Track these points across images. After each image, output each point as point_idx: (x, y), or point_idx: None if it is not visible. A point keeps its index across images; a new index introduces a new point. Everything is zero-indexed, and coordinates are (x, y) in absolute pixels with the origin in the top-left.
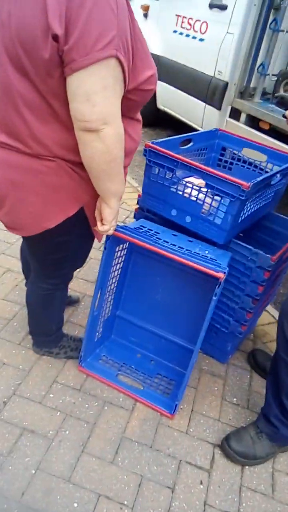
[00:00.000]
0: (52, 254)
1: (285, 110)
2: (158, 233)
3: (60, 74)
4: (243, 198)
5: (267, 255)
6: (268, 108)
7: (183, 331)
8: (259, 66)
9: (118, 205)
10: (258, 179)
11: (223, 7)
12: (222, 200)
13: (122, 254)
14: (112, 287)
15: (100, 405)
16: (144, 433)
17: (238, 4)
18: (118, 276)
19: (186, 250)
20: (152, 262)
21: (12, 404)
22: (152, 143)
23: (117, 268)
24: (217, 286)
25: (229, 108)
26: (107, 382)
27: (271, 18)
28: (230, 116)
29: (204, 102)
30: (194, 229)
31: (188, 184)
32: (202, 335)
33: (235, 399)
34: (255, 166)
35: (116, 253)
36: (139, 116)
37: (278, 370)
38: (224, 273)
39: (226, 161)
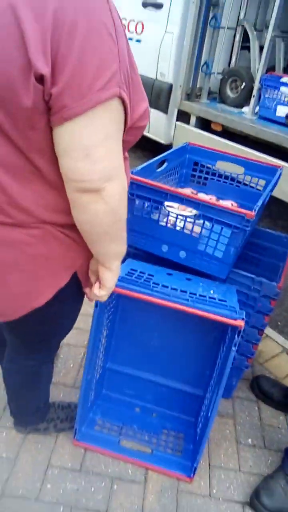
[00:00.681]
0: (38, 328)
1: None
2: (152, 275)
3: (46, 124)
4: (248, 228)
5: (272, 282)
6: (218, 109)
7: (185, 375)
8: (203, 65)
9: (120, 266)
10: (259, 203)
11: (158, 6)
12: (222, 231)
13: (111, 302)
14: (102, 341)
15: (108, 485)
16: (164, 508)
17: (175, 2)
18: (107, 325)
19: (190, 294)
20: (143, 305)
21: (2, 509)
22: (135, 174)
23: (107, 317)
24: (236, 335)
25: (176, 111)
26: (110, 454)
27: (210, 15)
28: (178, 120)
29: (149, 106)
30: (191, 264)
31: (179, 216)
32: (224, 383)
33: (250, 440)
34: (232, 179)
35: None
36: (126, 153)
37: None
38: (243, 319)
39: (199, 176)
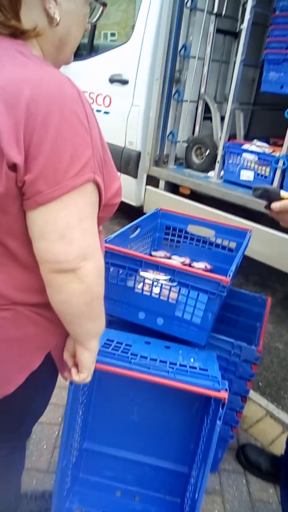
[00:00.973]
0: (7, 416)
1: (268, 201)
2: (130, 345)
3: (19, 208)
4: (224, 294)
5: (252, 346)
6: (185, 174)
7: (168, 452)
8: (169, 134)
9: (98, 345)
10: (233, 269)
11: (124, 82)
12: (199, 297)
13: None
14: (78, 420)
15: None
16: None
17: (140, 79)
18: (83, 402)
19: (170, 364)
20: (121, 378)
21: None
22: (109, 242)
23: (82, 393)
24: (220, 408)
25: (145, 176)
26: None
27: (173, 90)
28: (148, 184)
29: (119, 171)
30: (169, 332)
31: (155, 282)
32: (210, 461)
33: None
34: (204, 241)
35: None
36: (101, 227)
37: None
38: (226, 390)
39: (172, 240)
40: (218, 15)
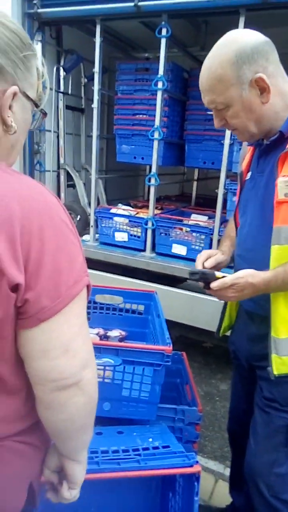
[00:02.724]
0: None
1: (206, 283)
2: None
3: (13, 331)
4: (169, 363)
5: (193, 408)
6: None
7: None
8: None
9: (87, 455)
10: (168, 335)
11: None
12: (144, 371)
13: None
14: None
15: None
16: None
17: None
18: None
19: (134, 452)
20: None
21: None
22: None
23: None
24: (196, 482)
25: None
26: None
27: (35, 161)
28: None
29: None
30: (117, 415)
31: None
32: None
33: None
34: (114, 309)
35: None
36: None
37: None
38: (197, 462)
39: None
40: (65, 93)
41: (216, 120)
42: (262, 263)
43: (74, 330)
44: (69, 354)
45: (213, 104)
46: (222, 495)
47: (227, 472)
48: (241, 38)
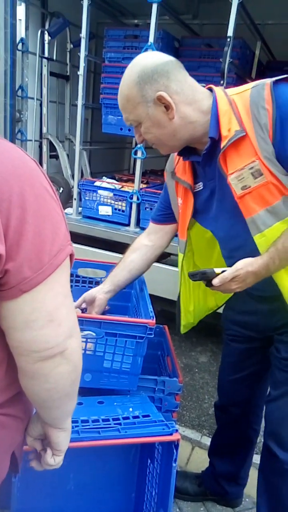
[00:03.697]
0: None
1: (207, 281)
2: None
3: None
4: (151, 335)
5: (174, 379)
6: None
7: (111, 509)
8: None
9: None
10: (151, 308)
11: None
12: (127, 344)
13: None
14: None
15: None
16: None
17: None
18: None
19: (114, 422)
20: None
21: None
22: None
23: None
24: (175, 450)
25: None
26: None
27: (16, 130)
28: None
29: None
30: (99, 386)
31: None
32: (171, 504)
33: None
34: (96, 283)
35: None
36: None
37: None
38: (177, 430)
39: None
40: (49, 59)
41: (136, 136)
42: (253, 255)
43: (59, 299)
44: (54, 323)
45: (128, 122)
46: (198, 461)
47: (203, 440)
48: (143, 61)
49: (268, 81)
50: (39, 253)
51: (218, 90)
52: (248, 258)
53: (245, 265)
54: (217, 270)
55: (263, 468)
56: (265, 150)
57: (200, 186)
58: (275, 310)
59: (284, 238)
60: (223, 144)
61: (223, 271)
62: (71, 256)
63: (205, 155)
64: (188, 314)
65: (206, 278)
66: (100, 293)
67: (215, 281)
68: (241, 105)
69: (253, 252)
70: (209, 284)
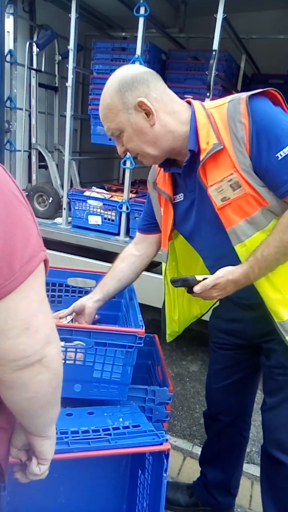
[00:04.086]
0: None
1: (189, 287)
2: None
3: None
4: (141, 345)
5: (164, 388)
6: None
7: None
8: None
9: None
10: (141, 318)
11: None
12: (116, 353)
13: None
14: None
15: None
16: None
17: None
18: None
19: (105, 433)
20: None
21: None
22: None
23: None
24: (165, 460)
25: None
26: None
27: (5, 140)
28: None
29: None
30: (88, 396)
31: (69, 348)
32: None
33: None
34: (86, 292)
35: None
36: None
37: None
38: (167, 440)
39: (53, 296)
40: (38, 70)
41: (118, 147)
42: (236, 264)
43: (34, 306)
44: (30, 331)
45: (109, 131)
46: (190, 472)
47: (195, 450)
48: (124, 71)
49: (244, 95)
50: (10, 261)
51: (196, 103)
52: (229, 267)
53: (226, 273)
54: (199, 277)
55: (268, 477)
56: (242, 163)
57: (181, 197)
58: (260, 317)
59: (263, 248)
60: (202, 156)
61: (204, 279)
62: (46, 262)
63: (186, 167)
64: (173, 323)
65: (187, 284)
66: (90, 302)
67: (196, 288)
68: (218, 118)
69: (236, 261)
70: (190, 290)
